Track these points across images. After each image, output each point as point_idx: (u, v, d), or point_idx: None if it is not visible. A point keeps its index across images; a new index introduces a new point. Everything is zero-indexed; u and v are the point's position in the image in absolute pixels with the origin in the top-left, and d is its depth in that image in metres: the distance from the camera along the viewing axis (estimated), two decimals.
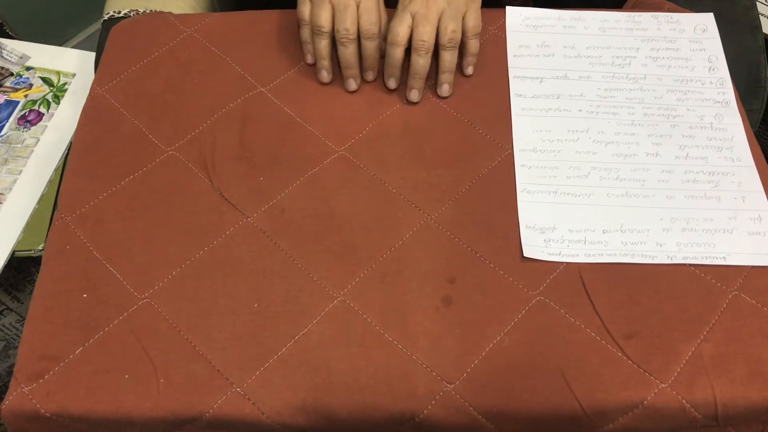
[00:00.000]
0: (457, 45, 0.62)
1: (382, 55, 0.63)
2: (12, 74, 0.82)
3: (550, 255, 0.55)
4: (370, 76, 0.65)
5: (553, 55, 0.67)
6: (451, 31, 0.61)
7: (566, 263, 0.54)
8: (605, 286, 0.53)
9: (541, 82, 0.65)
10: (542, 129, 0.62)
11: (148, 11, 0.75)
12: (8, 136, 0.76)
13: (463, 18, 0.62)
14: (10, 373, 0.79)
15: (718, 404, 0.48)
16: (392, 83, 0.64)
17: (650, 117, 0.63)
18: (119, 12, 0.77)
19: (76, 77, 0.83)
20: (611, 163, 0.60)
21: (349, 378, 0.49)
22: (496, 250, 0.55)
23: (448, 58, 0.62)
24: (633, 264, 0.54)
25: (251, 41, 0.68)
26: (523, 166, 0.60)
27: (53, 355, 0.50)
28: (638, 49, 0.68)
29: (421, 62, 0.61)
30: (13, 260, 0.69)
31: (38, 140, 0.76)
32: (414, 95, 0.63)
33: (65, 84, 0.82)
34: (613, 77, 0.66)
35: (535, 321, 0.52)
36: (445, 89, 0.63)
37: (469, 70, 0.65)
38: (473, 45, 0.64)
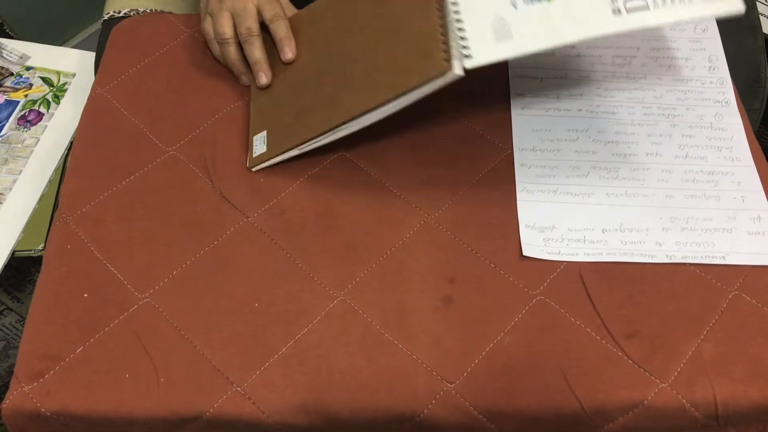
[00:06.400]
0: (283, 18, 0.62)
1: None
2: (12, 74, 0.82)
3: (549, 254, 0.55)
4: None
5: (553, 54, 0.67)
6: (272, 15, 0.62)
7: (566, 263, 0.55)
8: (606, 285, 0.53)
9: (540, 81, 0.66)
10: (542, 128, 0.62)
11: (148, 11, 0.75)
12: (8, 136, 0.76)
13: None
14: (10, 373, 0.79)
15: (719, 404, 0.48)
16: (244, 80, 0.65)
17: (650, 116, 0.63)
18: (119, 12, 0.77)
19: (76, 77, 0.83)
20: (611, 163, 0.60)
21: (349, 378, 0.49)
22: (496, 249, 0.55)
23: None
24: (633, 264, 0.54)
25: None
26: (523, 165, 0.60)
27: (54, 355, 0.50)
28: (638, 48, 0.68)
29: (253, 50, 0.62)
30: (13, 260, 0.69)
31: (38, 140, 0.76)
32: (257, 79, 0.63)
33: (65, 84, 0.82)
34: (613, 77, 0.66)
35: (536, 321, 0.52)
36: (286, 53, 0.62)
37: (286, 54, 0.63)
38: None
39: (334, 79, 0.58)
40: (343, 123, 0.55)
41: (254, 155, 0.59)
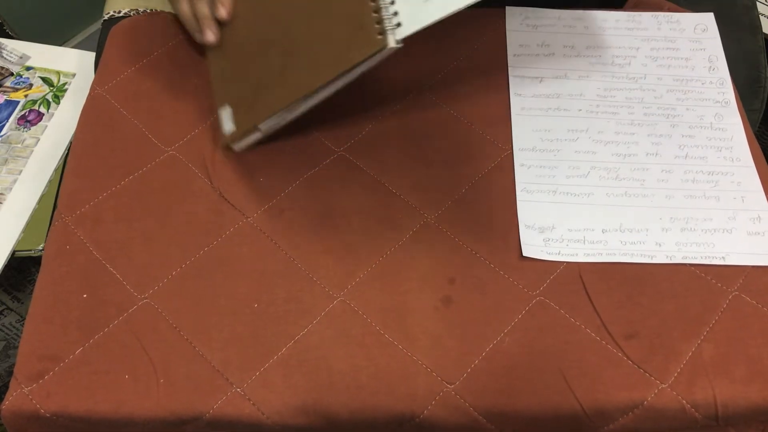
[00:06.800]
0: None
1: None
2: (12, 74, 0.82)
3: (549, 254, 0.55)
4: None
5: (553, 54, 0.67)
6: None
7: (566, 263, 0.54)
8: (605, 286, 0.53)
9: (540, 81, 0.65)
10: (542, 128, 0.62)
11: (148, 11, 0.75)
12: (8, 136, 0.76)
13: None
14: (10, 373, 0.79)
15: (718, 404, 0.48)
16: (198, 38, 0.63)
17: (650, 117, 0.63)
18: (119, 12, 0.77)
19: (76, 77, 0.82)
20: (611, 163, 0.60)
21: (349, 378, 0.49)
22: (495, 250, 0.55)
23: None
24: (633, 264, 0.54)
25: None
26: (523, 165, 0.60)
27: (53, 356, 0.50)
28: (638, 48, 0.68)
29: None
30: (13, 260, 0.69)
31: (38, 140, 0.76)
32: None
33: (65, 84, 0.82)
34: (613, 77, 0.66)
35: (535, 321, 0.52)
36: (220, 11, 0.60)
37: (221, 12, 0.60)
38: None
39: (280, 48, 0.56)
40: (295, 101, 0.54)
41: (225, 132, 0.59)
